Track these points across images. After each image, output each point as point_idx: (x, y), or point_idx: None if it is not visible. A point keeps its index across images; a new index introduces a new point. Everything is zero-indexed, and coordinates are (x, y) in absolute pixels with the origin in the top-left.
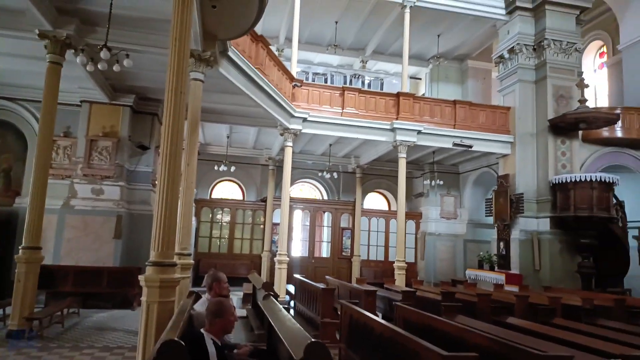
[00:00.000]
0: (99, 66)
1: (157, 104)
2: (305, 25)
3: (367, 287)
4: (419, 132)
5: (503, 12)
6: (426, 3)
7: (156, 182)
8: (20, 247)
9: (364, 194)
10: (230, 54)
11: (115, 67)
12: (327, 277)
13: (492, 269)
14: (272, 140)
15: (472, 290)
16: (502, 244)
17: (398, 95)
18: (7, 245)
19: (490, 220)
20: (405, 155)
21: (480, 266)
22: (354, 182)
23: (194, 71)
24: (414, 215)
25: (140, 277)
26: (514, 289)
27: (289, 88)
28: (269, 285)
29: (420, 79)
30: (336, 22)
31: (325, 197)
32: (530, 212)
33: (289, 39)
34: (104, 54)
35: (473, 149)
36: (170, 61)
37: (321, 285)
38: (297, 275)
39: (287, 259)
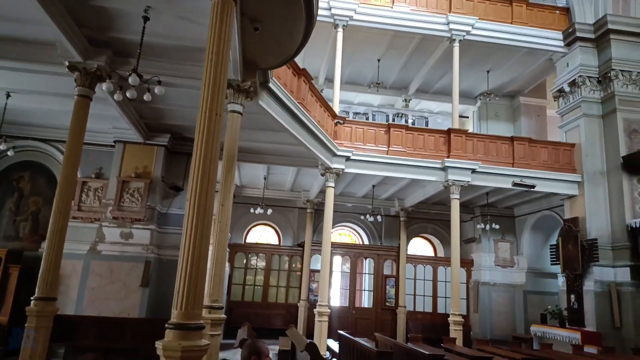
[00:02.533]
0: (127, 94)
1: (192, 143)
2: (346, 65)
3: (427, 349)
4: (474, 170)
5: (561, 43)
6: (476, 36)
7: None
8: (32, 298)
9: (408, 239)
10: (271, 85)
11: (146, 96)
12: (376, 334)
13: (562, 324)
14: (311, 181)
15: (552, 354)
16: (573, 296)
17: (449, 131)
18: (32, 294)
19: (553, 269)
20: (458, 197)
21: (544, 321)
22: (397, 226)
23: (232, 103)
24: (464, 262)
25: (158, 344)
26: (593, 350)
27: (331, 125)
28: (313, 348)
29: (467, 117)
30: (378, 60)
31: (366, 242)
32: (606, 260)
33: (329, 79)
34: (132, 79)
35: (535, 189)
36: (205, 74)
37: (369, 344)
38: (342, 332)
39: (329, 310)
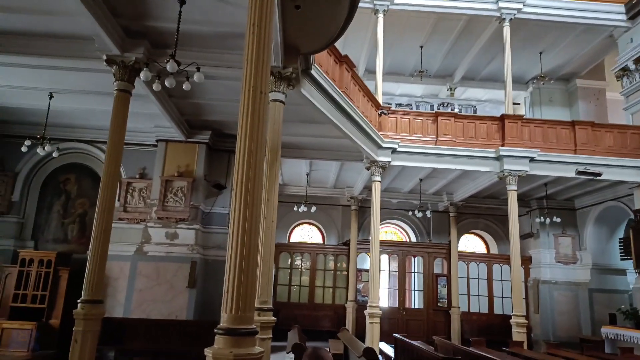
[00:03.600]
0: (166, 83)
1: (234, 140)
2: (386, 54)
3: (495, 354)
4: (532, 159)
5: (623, 17)
6: (528, 14)
7: None
8: (78, 301)
9: (458, 235)
10: (313, 72)
11: (185, 85)
12: (435, 337)
13: (637, 326)
14: (355, 177)
15: None
16: None
17: (502, 118)
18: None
19: (622, 264)
20: (515, 188)
21: (613, 321)
22: (446, 222)
23: (273, 91)
24: (522, 259)
25: (207, 352)
26: None
27: (375, 116)
28: (372, 354)
29: (518, 103)
30: (421, 47)
31: (414, 240)
32: None
33: (369, 71)
34: (170, 66)
35: (602, 177)
36: (247, 49)
37: (428, 349)
38: (398, 335)
39: (380, 312)
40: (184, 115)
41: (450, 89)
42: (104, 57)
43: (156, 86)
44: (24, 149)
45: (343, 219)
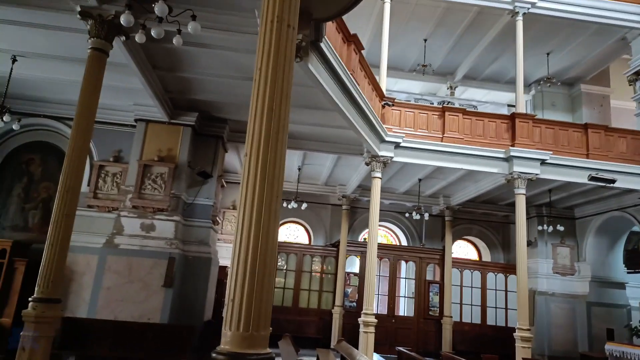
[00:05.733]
0: (152, 33)
1: (223, 125)
2: (389, 45)
3: None
4: (543, 161)
5: (639, 18)
6: (543, 9)
7: (217, 219)
8: (30, 299)
9: (452, 241)
10: (322, 46)
11: (176, 40)
12: (444, 352)
13: None
14: (349, 174)
15: None
16: None
17: (513, 116)
18: None
19: (623, 277)
20: (524, 192)
21: (610, 337)
22: (438, 227)
23: None
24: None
25: None
26: None
27: (379, 107)
28: None
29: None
30: (425, 40)
31: (404, 244)
32: None
33: (368, 63)
34: (159, 8)
35: (615, 185)
36: None
37: None
38: (402, 348)
39: (376, 320)
40: (169, 92)
41: (451, 87)
42: (78, 9)
43: (140, 37)
44: None
45: (332, 219)
